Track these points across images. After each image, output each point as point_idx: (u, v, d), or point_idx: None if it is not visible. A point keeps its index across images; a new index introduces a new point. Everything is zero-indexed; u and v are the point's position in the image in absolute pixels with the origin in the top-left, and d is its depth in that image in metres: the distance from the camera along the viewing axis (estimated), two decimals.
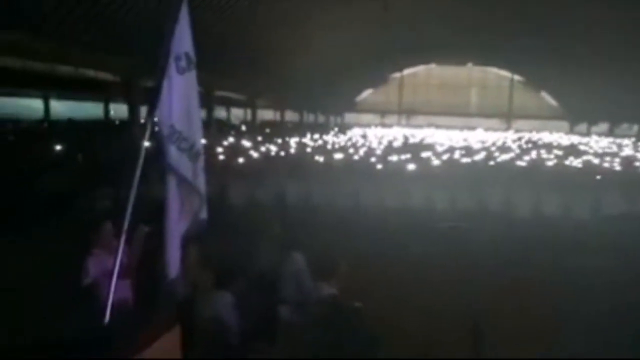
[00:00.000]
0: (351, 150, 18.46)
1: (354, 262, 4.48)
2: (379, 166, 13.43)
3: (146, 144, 2.70)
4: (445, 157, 16.88)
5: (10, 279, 6.02)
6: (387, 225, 9.03)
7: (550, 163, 16.39)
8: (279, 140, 21.55)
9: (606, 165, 16.35)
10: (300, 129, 31.54)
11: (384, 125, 46.87)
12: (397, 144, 23.80)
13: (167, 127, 2.70)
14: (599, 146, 26.93)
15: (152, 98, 2.71)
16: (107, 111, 28.65)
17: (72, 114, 31.42)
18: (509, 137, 33.73)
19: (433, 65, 46.95)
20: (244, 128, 32.62)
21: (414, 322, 5.09)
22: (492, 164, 15.92)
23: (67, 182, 10.86)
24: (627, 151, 23.90)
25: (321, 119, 45.13)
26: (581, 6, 23.02)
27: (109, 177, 9.84)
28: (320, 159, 14.57)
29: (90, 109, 32.45)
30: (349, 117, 50.28)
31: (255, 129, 29.88)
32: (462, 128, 42.10)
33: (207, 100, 21.61)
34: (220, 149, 16.24)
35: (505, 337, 4.66)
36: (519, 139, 31.91)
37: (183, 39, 2.75)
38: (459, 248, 7.72)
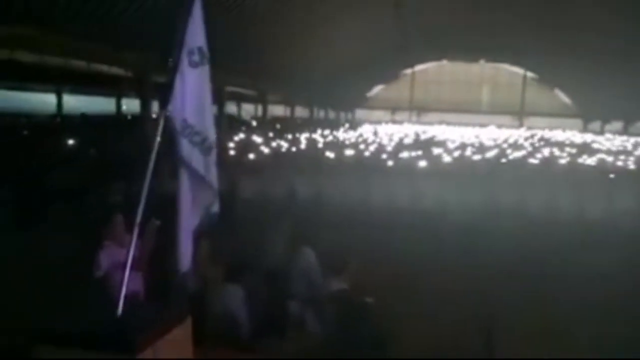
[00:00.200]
0: (362, 147, 18.42)
1: (364, 259, 4.48)
2: (390, 163, 13.39)
3: (158, 138, 2.70)
4: (456, 154, 16.78)
5: (20, 272, 6.10)
6: (397, 222, 9.00)
7: (562, 161, 16.22)
8: (289, 136, 21.56)
9: (620, 164, 16.14)
10: (310, 125, 31.53)
11: (394, 121, 46.67)
12: (408, 140, 23.71)
13: (180, 121, 2.70)
14: (613, 144, 26.60)
15: (165, 92, 2.71)
16: (119, 105, 28.85)
17: (85, 109, 31.70)
18: (521, 134, 33.42)
19: (445, 62, 46.56)
20: (254, 124, 32.69)
21: (424, 319, 5.08)
22: (504, 161, 15.79)
23: (79, 176, 10.96)
24: None
25: (332, 115, 45.04)
26: (595, 4, 22.69)
27: (121, 171, 9.92)
28: (330, 155, 14.55)
29: (103, 104, 32.71)
30: (360, 113, 50.09)
31: (265, 124, 29.92)
32: (473, 125, 41.77)
33: (218, 96, 21.65)
34: (231, 144, 16.30)
35: (516, 337, 4.63)
36: (532, 136, 31.61)
37: (196, 33, 2.75)
38: (470, 246, 7.68)
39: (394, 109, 49.44)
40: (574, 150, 20.32)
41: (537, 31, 28.56)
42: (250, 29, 18.33)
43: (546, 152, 19.50)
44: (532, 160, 16.04)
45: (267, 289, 4.61)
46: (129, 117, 28.44)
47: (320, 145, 19.48)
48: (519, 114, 46.77)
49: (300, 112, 39.54)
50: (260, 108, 33.81)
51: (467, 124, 42.76)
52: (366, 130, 32.75)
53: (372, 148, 18.12)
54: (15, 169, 10.53)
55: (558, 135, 34.70)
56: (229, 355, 3.57)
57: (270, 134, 22.17)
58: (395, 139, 24.24)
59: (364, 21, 26.30)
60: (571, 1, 23.75)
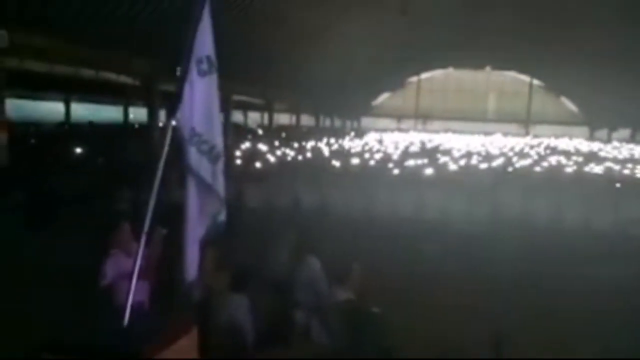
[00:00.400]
0: (367, 155, 18.39)
1: (369, 268, 4.45)
2: (396, 171, 13.36)
3: (167, 146, 2.71)
4: (462, 162, 16.73)
5: (26, 278, 6.13)
6: (403, 231, 8.97)
7: (569, 170, 16.11)
8: (295, 144, 21.60)
9: (627, 172, 16.01)
10: (316, 133, 31.58)
11: (400, 129, 46.63)
12: (414, 148, 23.67)
13: (188, 129, 2.71)
14: (620, 152, 26.43)
15: (173, 100, 2.72)
16: (127, 114, 29.08)
17: (93, 117, 31.97)
18: (527, 142, 33.29)
19: (451, 70, 46.60)
20: (260, 132, 32.80)
21: (431, 328, 5.03)
22: (510, 170, 15.71)
23: (87, 184, 11.04)
24: None
25: (337, 123, 45.11)
26: (602, 10, 22.67)
27: (128, 179, 9.97)
28: (336, 163, 14.54)
29: (111, 112, 32.98)
30: (365, 121, 50.12)
31: (271, 133, 30.01)
32: (479, 133, 41.67)
33: (225, 104, 21.77)
34: (237, 153, 16.34)
35: (524, 345, 4.58)
36: (538, 144, 31.47)
37: (205, 42, 2.76)
38: (477, 254, 7.63)
39: (400, 117, 49.45)
40: (580, 159, 20.20)
41: (543, 39, 28.56)
42: (257, 38, 18.45)
43: (553, 160, 19.39)
44: (539, 169, 15.95)
45: (273, 299, 4.60)
46: (137, 126, 28.64)
47: (326, 153, 19.48)
48: (525, 122, 46.62)
49: (306, 120, 39.64)
50: (266, 116, 33.96)
51: (473, 132, 42.67)
52: (372, 138, 32.75)
53: (377, 156, 18.09)
54: (24, 176, 10.62)
55: (564, 143, 34.53)
56: None
57: (276, 142, 22.21)
58: (401, 147, 24.20)
59: (370, 30, 26.41)
60: (577, 9, 23.75)
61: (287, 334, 4.25)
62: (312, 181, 11.59)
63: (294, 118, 38.77)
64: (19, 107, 28.29)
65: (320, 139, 25.78)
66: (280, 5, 17.94)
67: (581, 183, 12.68)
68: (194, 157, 2.75)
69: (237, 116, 35.24)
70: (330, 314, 4.07)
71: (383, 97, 49.29)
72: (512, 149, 26.54)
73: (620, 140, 36.76)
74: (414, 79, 47.67)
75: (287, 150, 18.80)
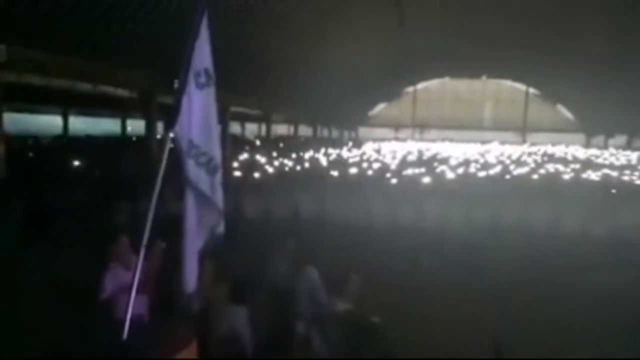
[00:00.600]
0: (365, 165, 18.42)
1: (369, 278, 4.45)
2: (394, 180, 13.38)
3: (165, 159, 2.73)
4: (460, 170, 16.76)
5: (25, 293, 6.09)
6: (402, 241, 8.97)
7: (567, 177, 16.16)
8: (293, 155, 21.63)
9: (625, 178, 16.06)
10: (314, 144, 31.65)
11: (398, 139, 46.78)
12: (412, 157, 23.72)
13: (186, 141, 2.73)
14: (616, 159, 26.54)
15: (171, 113, 2.74)
16: (125, 126, 29.15)
17: (91, 130, 32.03)
18: (524, 150, 33.41)
19: (447, 79, 46.87)
20: (258, 143, 32.86)
21: (430, 336, 5.02)
22: (508, 177, 15.75)
23: (85, 197, 11.02)
24: None
25: (335, 133, 45.25)
26: (597, 19, 22.89)
27: (125, 192, 9.97)
28: (334, 173, 14.56)
29: (109, 125, 33.05)
30: (363, 131, 50.30)
31: (269, 143, 30.08)
32: (476, 141, 41.83)
33: (223, 116, 21.84)
34: (235, 164, 16.35)
35: (524, 354, 4.56)
36: (535, 152, 31.59)
37: (203, 55, 2.80)
38: (475, 263, 7.63)
39: (397, 127, 49.66)
40: (577, 166, 20.27)
41: (538, 47, 28.76)
42: (254, 49, 18.56)
43: (550, 167, 19.45)
44: (536, 177, 15.99)
45: (272, 309, 4.59)
46: (135, 138, 28.67)
47: (324, 163, 19.50)
48: (522, 129, 46.84)
49: (304, 130, 39.76)
50: (264, 127, 34.05)
51: (470, 141, 42.83)
52: (370, 148, 32.83)
53: (375, 166, 18.12)
54: (22, 189, 10.61)
55: (561, 150, 34.67)
56: None
57: (274, 153, 22.24)
58: (399, 156, 24.26)
59: (367, 40, 26.59)
60: (572, 17, 23.97)
61: (286, 345, 4.23)
62: (311, 191, 11.60)
63: (291, 129, 38.87)
64: (17, 121, 28.36)
65: (318, 149, 25.83)
66: (277, 17, 18.07)
67: (578, 190, 12.72)
68: (192, 169, 2.77)
69: (235, 127, 35.34)
70: (329, 324, 4.06)
71: (380, 107, 49.50)
72: (509, 156, 26.62)
73: (617, 147, 36.94)
74: (410, 88, 47.95)
75: (285, 161, 18.82)
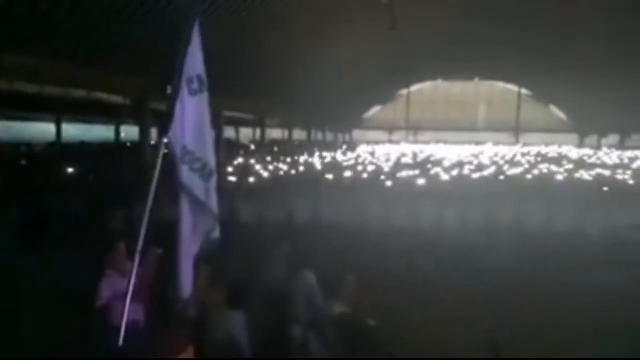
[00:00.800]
0: (360, 168, 18.47)
1: (365, 280, 4.46)
2: (389, 183, 13.42)
3: (159, 165, 2.73)
4: (454, 172, 16.83)
5: (22, 298, 6.06)
6: (397, 243, 8.99)
7: (560, 177, 16.27)
8: (288, 159, 21.64)
9: (618, 177, 16.19)
10: (308, 147, 31.69)
11: (392, 141, 46.97)
12: (406, 160, 23.80)
13: (180, 147, 2.74)
14: (609, 159, 26.73)
15: (164, 120, 2.76)
16: (118, 133, 29.08)
17: (84, 137, 31.93)
18: (518, 151, 33.60)
19: (440, 81, 47.10)
20: (253, 147, 32.87)
21: (427, 338, 5.04)
22: (502, 178, 15.84)
23: (78, 204, 10.98)
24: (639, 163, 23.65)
25: (330, 136, 45.35)
26: (588, 19, 23.08)
27: (120, 199, 9.95)
28: (329, 177, 14.59)
29: (102, 132, 32.96)
30: (357, 134, 50.43)
31: (264, 147, 30.10)
32: (470, 143, 42.02)
33: (217, 121, 21.83)
34: (229, 169, 16.35)
35: (520, 354, 4.59)
36: (528, 152, 31.78)
37: (195, 62, 2.81)
38: (471, 264, 7.66)
39: (391, 129, 49.82)
40: (571, 166, 20.41)
41: (530, 49, 28.95)
42: (248, 54, 18.59)
43: (544, 168, 19.57)
44: (530, 177, 16.09)
45: (269, 314, 4.59)
46: (129, 145, 28.61)
47: (318, 167, 19.53)
48: (515, 130, 47.10)
49: (298, 134, 39.80)
50: (258, 131, 34.05)
51: (464, 142, 43.02)
52: (364, 150, 32.91)
53: (370, 169, 18.17)
54: (15, 197, 10.56)
55: (555, 150, 34.90)
56: None
57: (269, 157, 22.25)
58: (393, 158, 24.34)
59: (361, 43, 26.68)
60: (564, 19, 24.15)
61: (284, 349, 4.24)
62: (306, 195, 11.61)
63: (286, 132, 38.89)
64: (10, 129, 28.25)
65: (312, 153, 25.86)
66: (270, 21, 18.12)
67: (572, 190, 12.81)
68: (187, 175, 2.78)
69: (230, 132, 35.32)
70: (326, 327, 4.07)
71: (374, 110, 49.65)
72: (503, 157, 26.77)
73: (610, 146, 37.21)
74: (404, 91, 48.12)
75: (280, 165, 18.83)
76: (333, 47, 24.70)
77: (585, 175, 16.57)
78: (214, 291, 4.31)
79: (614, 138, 40.45)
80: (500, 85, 46.33)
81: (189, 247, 2.87)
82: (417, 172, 15.92)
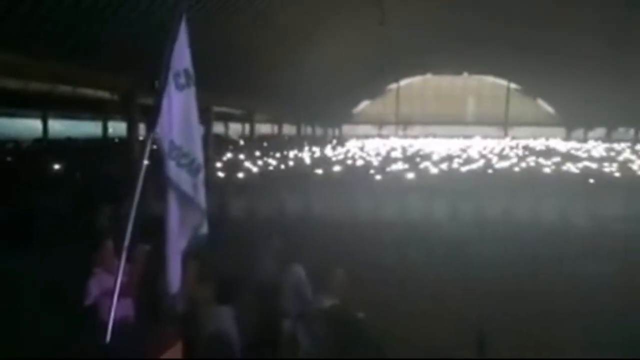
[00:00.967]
0: (349, 162, 18.51)
1: (355, 273, 4.48)
2: (378, 177, 13.47)
3: (146, 160, 2.71)
4: (443, 165, 16.93)
5: (7, 296, 6.00)
6: (386, 237, 9.03)
7: (548, 170, 16.44)
8: (277, 154, 21.59)
9: (604, 170, 16.40)
10: (298, 142, 31.65)
11: (381, 136, 47.08)
12: (396, 154, 23.88)
13: (167, 142, 2.72)
14: (596, 151, 27.06)
15: (151, 115, 2.73)
16: (106, 129, 28.79)
17: (71, 133, 31.56)
18: (506, 144, 33.87)
19: (429, 75, 47.21)
20: (242, 142, 32.73)
21: (417, 332, 5.08)
22: (491, 171, 15.97)
23: (66, 200, 10.88)
24: (625, 155, 23.98)
25: (319, 131, 45.31)
26: (576, 14, 23.26)
27: (107, 194, 9.87)
28: (319, 171, 14.61)
29: (90, 128, 32.62)
30: (347, 128, 50.44)
31: (253, 143, 30.01)
32: (459, 137, 42.24)
33: (206, 116, 21.69)
34: (218, 164, 16.29)
35: (508, 345, 4.65)
36: (517, 146, 32.05)
37: (182, 56, 2.79)
38: (460, 257, 7.72)
39: (381, 124, 49.89)
40: (558, 159, 20.62)
41: (518, 43, 29.13)
42: (237, 48, 18.48)
43: (531, 161, 19.77)
44: (519, 170, 16.25)
45: (258, 308, 4.59)
46: (116, 140, 28.36)
47: (308, 161, 19.53)
48: (504, 124, 47.44)
49: (288, 129, 39.71)
50: (247, 126, 33.90)
51: (453, 136, 43.23)
52: (354, 145, 32.94)
53: (359, 163, 18.21)
54: (1, 193, 10.44)
55: (542, 143, 35.24)
56: None
57: (258, 152, 22.19)
58: (383, 152, 24.41)
59: (349, 38, 26.65)
60: (552, 13, 24.31)
61: (274, 343, 4.25)
62: (295, 190, 11.61)
63: (275, 128, 38.76)
64: None
65: (302, 148, 25.83)
66: (259, 17, 18.01)
67: (559, 182, 12.95)
68: (174, 170, 2.76)
69: (219, 127, 35.14)
70: (315, 320, 4.08)
71: (363, 105, 49.65)
72: (491, 150, 26.97)
73: (596, 139, 37.64)
74: (393, 85, 48.17)
75: (269, 160, 18.80)
76: (322, 42, 24.65)
77: (572, 167, 16.77)
78: (203, 286, 4.30)
79: (600, 131, 40.95)
80: (489, 79, 46.57)
81: (176, 243, 2.86)
82: (406, 166, 16.00)
